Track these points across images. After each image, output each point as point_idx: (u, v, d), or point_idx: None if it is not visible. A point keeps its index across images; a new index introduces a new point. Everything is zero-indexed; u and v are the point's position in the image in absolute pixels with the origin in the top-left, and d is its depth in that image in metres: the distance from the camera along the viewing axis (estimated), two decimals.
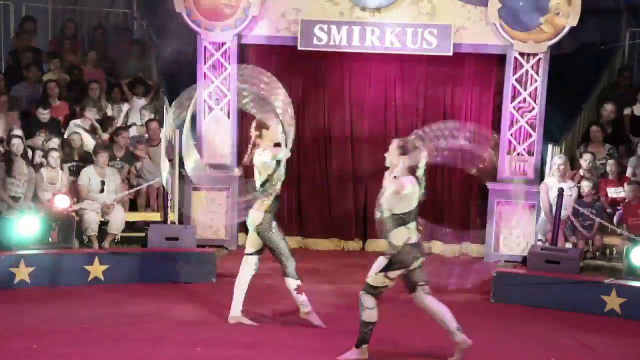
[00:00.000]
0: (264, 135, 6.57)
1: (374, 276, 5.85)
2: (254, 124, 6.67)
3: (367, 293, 5.89)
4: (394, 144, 5.85)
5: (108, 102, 10.96)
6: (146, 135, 10.39)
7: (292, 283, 6.72)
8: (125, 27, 12.58)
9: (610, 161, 9.71)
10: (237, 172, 6.73)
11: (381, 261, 5.84)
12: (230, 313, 6.81)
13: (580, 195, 9.33)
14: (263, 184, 6.57)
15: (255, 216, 6.59)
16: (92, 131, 10.20)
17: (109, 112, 10.84)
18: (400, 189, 5.67)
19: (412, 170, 5.79)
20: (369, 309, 5.88)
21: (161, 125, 10.98)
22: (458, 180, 10.09)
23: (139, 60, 11.82)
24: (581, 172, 9.65)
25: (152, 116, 10.63)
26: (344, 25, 9.64)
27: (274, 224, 6.60)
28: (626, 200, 9.20)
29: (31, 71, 10.82)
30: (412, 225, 5.79)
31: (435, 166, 10.05)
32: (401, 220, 5.75)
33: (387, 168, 5.89)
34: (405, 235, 5.76)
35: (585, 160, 9.66)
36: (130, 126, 10.70)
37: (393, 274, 5.80)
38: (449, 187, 10.14)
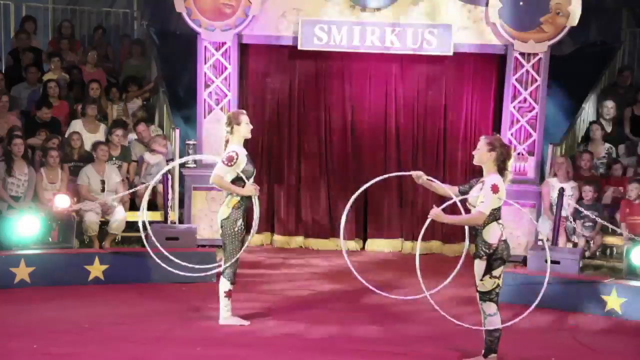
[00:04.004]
0: (234, 130, 6.60)
1: (480, 282, 5.80)
2: (225, 119, 6.70)
3: (484, 301, 5.82)
4: (483, 141, 5.84)
5: (108, 101, 10.97)
6: (135, 137, 10.37)
7: (224, 285, 6.70)
8: (125, 27, 12.58)
9: (616, 165, 9.77)
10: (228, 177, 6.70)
11: (479, 265, 5.79)
12: (220, 314, 6.83)
13: (581, 197, 9.34)
14: (233, 181, 6.58)
15: (222, 211, 6.63)
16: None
17: (109, 112, 10.86)
18: (496, 191, 5.66)
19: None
20: (491, 316, 5.82)
21: (161, 124, 11.01)
22: (457, 178, 10.09)
23: (139, 60, 11.85)
24: (582, 172, 9.67)
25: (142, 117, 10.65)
26: (344, 25, 9.64)
27: (239, 222, 6.59)
28: (628, 198, 9.18)
29: (31, 71, 10.82)
30: (502, 220, 5.80)
31: (434, 165, 10.21)
32: (493, 215, 5.74)
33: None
34: (498, 231, 5.76)
35: (584, 160, 9.68)
36: (127, 125, 10.68)
37: (497, 272, 5.76)
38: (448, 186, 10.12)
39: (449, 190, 6.04)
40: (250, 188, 6.57)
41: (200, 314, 7.13)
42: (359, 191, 6.35)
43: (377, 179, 6.58)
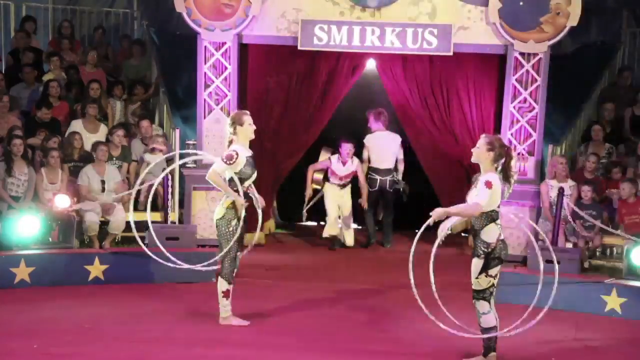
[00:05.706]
0: (237, 131, 6.58)
1: (475, 281, 5.81)
2: (229, 120, 6.69)
3: (478, 299, 5.85)
4: (483, 140, 5.83)
5: (110, 98, 10.96)
6: (139, 136, 10.37)
7: (223, 286, 6.69)
8: (125, 27, 12.58)
9: (615, 169, 9.78)
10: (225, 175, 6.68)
11: (476, 263, 5.80)
12: (220, 314, 6.83)
13: (580, 197, 9.33)
14: (230, 181, 6.58)
15: (218, 210, 6.64)
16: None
17: (109, 111, 10.85)
18: (489, 187, 5.66)
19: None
20: (485, 314, 5.84)
21: (161, 124, 11.01)
22: (458, 179, 10.09)
23: (139, 60, 11.85)
24: (585, 173, 9.66)
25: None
26: (344, 25, 9.64)
27: (234, 222, 6.58)
28: (623, 199, 9.18)
29: (26, 71, 10.81)
30: (499, 221, 5.80)
31: (434, 165, 10.22)
32: (491, 217, 5.75)
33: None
34: (496, 231, 5.77)
35: (589, 161, 9.65)
36: (128, 125, 10.68)
37: (493, 271, 5.78)
38: (448, 185, 10.13)
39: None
40: (240, 201, 6.54)
41: (200, 314, 7.13)
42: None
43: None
